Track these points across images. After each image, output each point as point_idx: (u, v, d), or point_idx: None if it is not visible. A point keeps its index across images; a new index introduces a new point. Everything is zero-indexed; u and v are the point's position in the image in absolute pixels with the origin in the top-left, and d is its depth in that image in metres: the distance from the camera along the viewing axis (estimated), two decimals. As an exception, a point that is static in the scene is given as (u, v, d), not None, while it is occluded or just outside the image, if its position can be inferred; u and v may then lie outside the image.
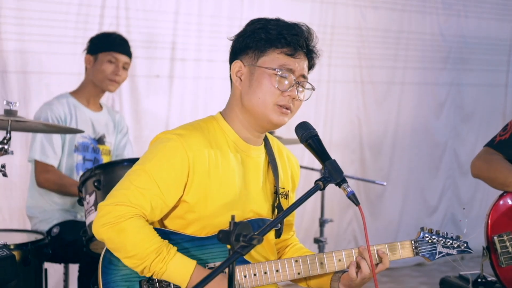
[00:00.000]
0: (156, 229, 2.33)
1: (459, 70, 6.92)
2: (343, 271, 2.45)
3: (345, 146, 6.34)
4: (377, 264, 2.41)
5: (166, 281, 2.32)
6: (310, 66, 2.45)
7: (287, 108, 2.38)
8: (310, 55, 2.43)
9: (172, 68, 5.41)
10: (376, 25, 6.37)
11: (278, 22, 2.40)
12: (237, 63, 2.41)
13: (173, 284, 2.32)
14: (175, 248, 2.30)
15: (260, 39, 2.37)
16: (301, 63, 2.39)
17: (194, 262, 2.29)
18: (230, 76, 2.46)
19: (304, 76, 2.40)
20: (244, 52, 2.41)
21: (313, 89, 2.42)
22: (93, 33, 4.33)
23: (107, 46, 4.09)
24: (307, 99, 2.43)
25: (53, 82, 4.85)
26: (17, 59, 4.78)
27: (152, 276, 2.29)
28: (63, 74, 4.89)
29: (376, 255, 2.41)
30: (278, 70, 2.34)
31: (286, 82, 2.36)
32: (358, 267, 2.38)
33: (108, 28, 4.93)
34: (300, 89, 2.39)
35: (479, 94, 7.08)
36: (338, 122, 6.29)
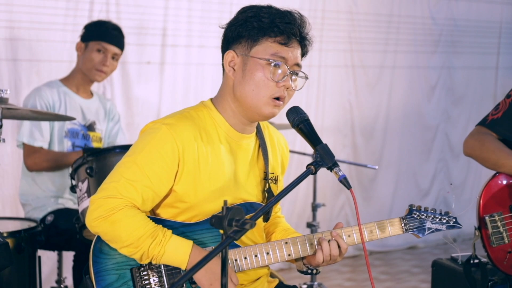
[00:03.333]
0: (148, 217, 2.34)
1: (450, 53, 6.93)
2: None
3: (337, 130, 6.34)
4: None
5: (156, 266, 2.32)
6: (303, 53, 2.43)
7: (280, 100, 2.36)
8: (303, 42, 2.40)
9: (163, 54, 5.39)
10: (367, 9, 6.36)
11: (270, 10, 2.37)
12: (230, 53, 2.38)
13: (164, 270, 2.33)
14: (170, 230, 2.31)
15: (252, 28, 2.34)
16: (294, 52, 2.37)
17: (190, 242, 2.30)
18: (223, 64, 2.43)
19: (298, 65, 2.38)
20: (236, 42, 2.38)
21: (306, 77, 2.40)
22: (83, 20, 4.32)
23: (98, 35, 4.07)
24: (300, 89, 2.41)
25: (44, 70, 4.84)
26: (7, 46, 4.76)
27: (151, 261, 2.30)
28: (53, 61, 4.87)
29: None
30: (271, 60, 2.32)
31: (280, 71, 2.33)
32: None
33: (98, 15, 4.91)
34: (294, 77, 2.37)
35: (470, 77, 7.09)
36: (329, 107, 6.29)
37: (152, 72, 5.38)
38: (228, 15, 5.18)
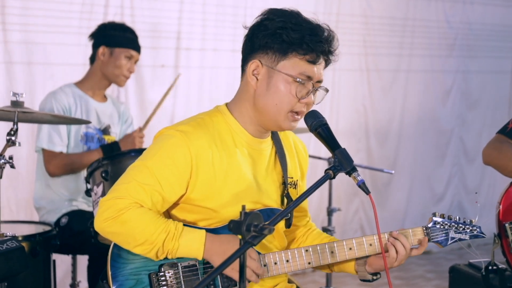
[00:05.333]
0: None
1: (465, 57, 6.89)
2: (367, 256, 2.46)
3: (351, 134, 6.32)
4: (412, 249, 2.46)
5: (175, 271, 2.30)
6: (326, 66, 2.41)
7: (299, 114, 2.35)
8: (329, 58, 2.38)
9: (178, 57, 5.39)
10: (382, 12, 6.34)
11: (299, 21, 2.31)
12: (255, 62, 2.34)
13: (182, 275, 2.31)
14: (181, 223, 2.29)
15: (281, 41, 2.29)
16: (319, 68, 2.35)
17: (203, 231, 2.28)
18: (243, 68, 2.40)
19: (320, 81, 2.37)
20: (263, 51, 2.33)
21: (326, 90, 2.39)
22: (98, 23, 4.30)
23: (126, 42, 4.07)
24: (319, 102, 2.40)
25: (59, 73, 4.84)
26: (22, 49, 4.77)
27: (166, 257, 2.28)
28: (68, 64, 4.87)
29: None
30: (298, 79, 2.30)
31: (304, 89, 2.32)
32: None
33: (112, 18, 4.90)
34: (315, 92, 2.36)
35: (485, 81, 7.05)
36: (344, 111, 6.27)
37: (166, 75, 5.37)
38: (243, 19, 5.20)
